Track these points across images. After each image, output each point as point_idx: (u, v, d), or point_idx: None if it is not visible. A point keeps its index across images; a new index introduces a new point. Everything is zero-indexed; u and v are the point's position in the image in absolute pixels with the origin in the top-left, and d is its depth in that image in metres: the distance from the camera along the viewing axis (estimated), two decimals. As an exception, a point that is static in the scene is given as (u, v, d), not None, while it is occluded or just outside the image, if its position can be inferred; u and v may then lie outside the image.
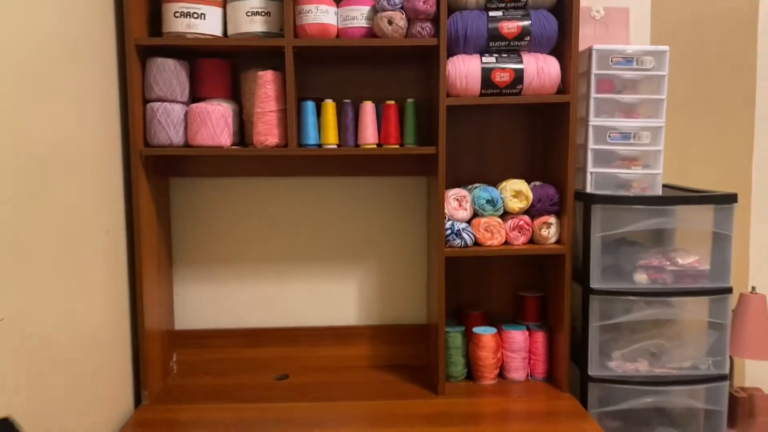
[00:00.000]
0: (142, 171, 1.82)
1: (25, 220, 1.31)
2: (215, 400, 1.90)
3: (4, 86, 1.24)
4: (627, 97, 1.91)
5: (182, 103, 1.85)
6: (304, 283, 2.18)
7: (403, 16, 1.79)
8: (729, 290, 1.85)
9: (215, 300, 2.16)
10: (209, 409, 1.84)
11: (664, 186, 2.03)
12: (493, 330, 2.02)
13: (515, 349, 2.01)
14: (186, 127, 1.84)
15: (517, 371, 2.02)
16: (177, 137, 1.82)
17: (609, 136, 1.89)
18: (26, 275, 1.31)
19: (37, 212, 1.35)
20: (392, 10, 1.78)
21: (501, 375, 2.04)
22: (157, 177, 1.95)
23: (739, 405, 2.01)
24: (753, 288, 2.01)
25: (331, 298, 2.19)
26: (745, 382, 2.27)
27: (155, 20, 1.89)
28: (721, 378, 1.87)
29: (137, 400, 1.90)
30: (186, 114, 1.84)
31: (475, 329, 2.03)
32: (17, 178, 1.28)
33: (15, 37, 1.27)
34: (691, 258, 1.88)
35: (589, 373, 1.88)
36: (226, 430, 1.72)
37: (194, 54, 1.92)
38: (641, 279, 1.88)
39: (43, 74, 1.39)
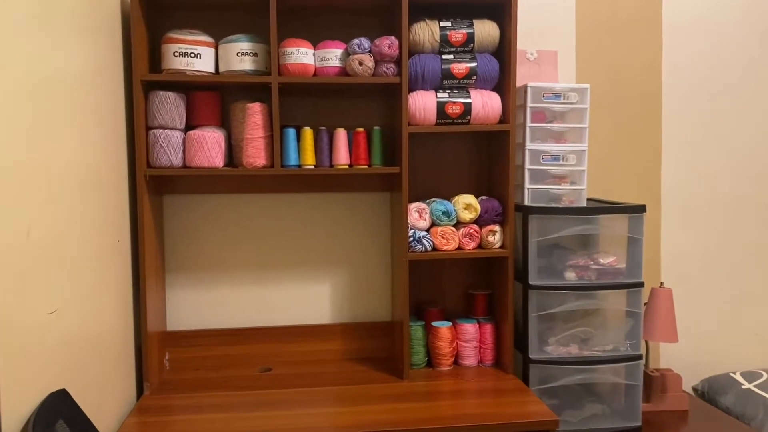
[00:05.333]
0: (145, 189, 2.07)
1: (61, 232, 1.54)
2: (207, 390, 2.13)
3: (39, 118, 1.44)
4: (556, 126, 2.26)
5: (180, 129, 2.11)
6: (283, 287, 2.43)
7: (371, 58, 2.09)
8: (641, 284, 2.20)
9: (203, 303, 2.39)
10: (203, 396, 2.08)
11: (589, 199, 2.38)
12: (449, 323, 2.32)
13: (468, 340, 2.32)
14: (184, 151, 2.10)
15: (470, 358, 2.33)
16: (176, 160, 2.08)
17: (542, 158, 2.23)
18: (63, 278, 1.55)
19: (68, 225, 1.60)
20: (362, 53, 2.09)
21: (456, 362, 2.34)
22: (155, 194, 2.19)
23: (653, 382, 2.35)
24: (662, 283, 2.39)
25: (308, 299, 2.44)
26: (660, 364, 2.65)
27: (154, 57, 2.16)
28: (638, 357, 2.21)
29: (139, 391, 2.13)
30: (184, 139, 2.10)
31: (434, 323, 2.32)
32: (53, 196, 1.50)
33: (45, 75, 1.48)
34: (610, 258, 2.22)
35: (530, 356, 2.19)
36: (219, 411, 1.96)
37: (189, 87, 2.18)
38: (570, 276, 2.20)
39: (70, 106, 1.62)
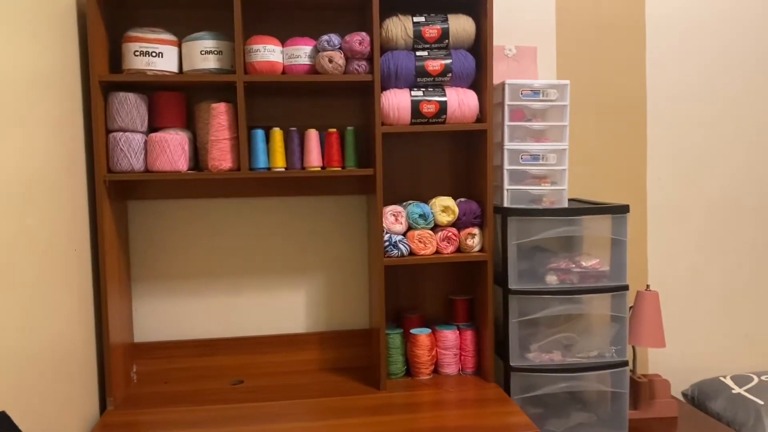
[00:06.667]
0: (106, 195, 1.97)
1: (4, 239, 1.45)
2: (175, 404, 2.03)
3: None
4: (536, 124, 2.17)
5: (142, 132, 2.01)
6: (256, 295, 2.33)
7: (342, 56, 2.01)
8: (626, 287, 2.12)
9: (172, 313, 2.29)
10: (170, 411, 1.98)
11: (570, 200, 2.30)
12: (428, 330, 2.24)
13: (448, 347, 2.24)
14: (146, 155, 2.00)
15: (450, 366, 2.24)
16: (138, 164, 1.98)
17: (521, 158, 2.15)
18: (6, 288, 1.45)
19: (15, 233, 1.50)
20: (332, 50, 2.00)
21: (436, 371, 2.25)
22: (118, 200, 2.09)
23: (641, 389, 2.28)
24: (648, 286, 2.32)
25: (281, 308, 2.35)
26: (648, 369, 2.57)
27: (115, 56, 2.06)
28: (623, 363, 2.13)
29: (102, 407, 2.03)
30: (146, 142, 2.01)
31: (412, 330, 2.24)
32: None
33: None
34: (593, 260, 2.15)
35: (511, 364, 2.11)
36: (188, 427, 1.87)
37: (152, 88, 2.08)
38: (552, 280, 2.13)
39: (19, 109, 1.53)
